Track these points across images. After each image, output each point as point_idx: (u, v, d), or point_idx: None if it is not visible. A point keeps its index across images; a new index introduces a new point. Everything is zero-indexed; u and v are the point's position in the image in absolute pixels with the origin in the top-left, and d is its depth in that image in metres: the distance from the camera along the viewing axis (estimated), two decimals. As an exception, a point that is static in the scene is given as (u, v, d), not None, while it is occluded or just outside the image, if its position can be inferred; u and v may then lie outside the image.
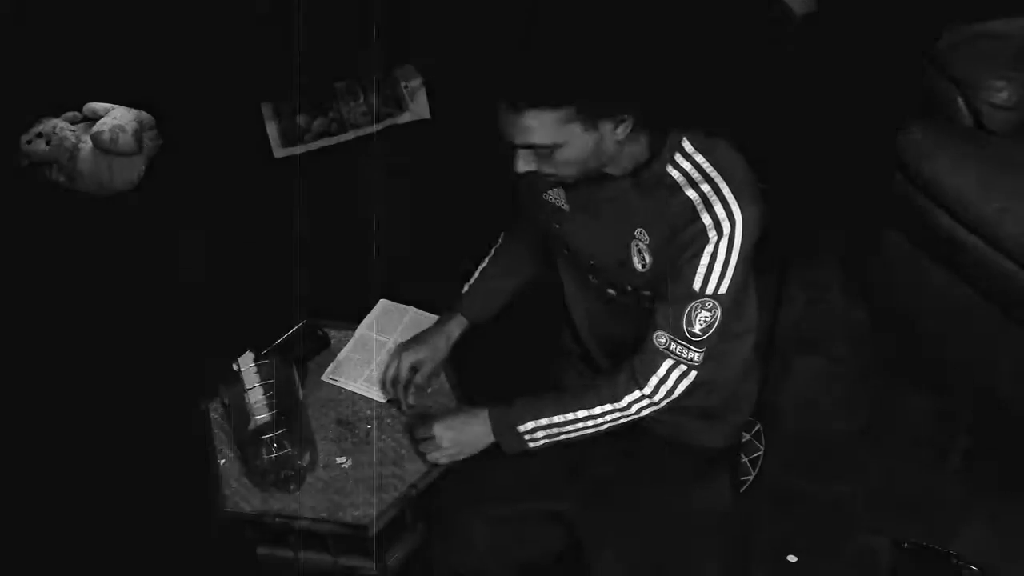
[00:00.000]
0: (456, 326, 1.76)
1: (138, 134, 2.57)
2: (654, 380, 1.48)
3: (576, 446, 1.61)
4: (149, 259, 2.49)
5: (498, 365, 1.95)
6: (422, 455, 1.64)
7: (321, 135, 2.71)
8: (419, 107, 2.75)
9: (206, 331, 2.31)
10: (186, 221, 2.59)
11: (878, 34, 2.87)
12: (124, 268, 2.49)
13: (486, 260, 1.80)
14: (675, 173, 1.44)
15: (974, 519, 2.06)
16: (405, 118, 2.74)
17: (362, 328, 1.89)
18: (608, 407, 1.51)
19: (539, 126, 1.32)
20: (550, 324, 1.83)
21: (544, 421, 1.54)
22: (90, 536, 2.07)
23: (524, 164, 1.39)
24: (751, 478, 1.75)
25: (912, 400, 2.32)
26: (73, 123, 2.62)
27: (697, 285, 1.42)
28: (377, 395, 1.78)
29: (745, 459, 1.76)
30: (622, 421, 1.53)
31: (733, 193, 1.40)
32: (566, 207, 1.56)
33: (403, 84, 2.77)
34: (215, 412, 1.79)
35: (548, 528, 1.62)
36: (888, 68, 2.62)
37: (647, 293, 1.52)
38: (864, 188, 2.54)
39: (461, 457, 1.61)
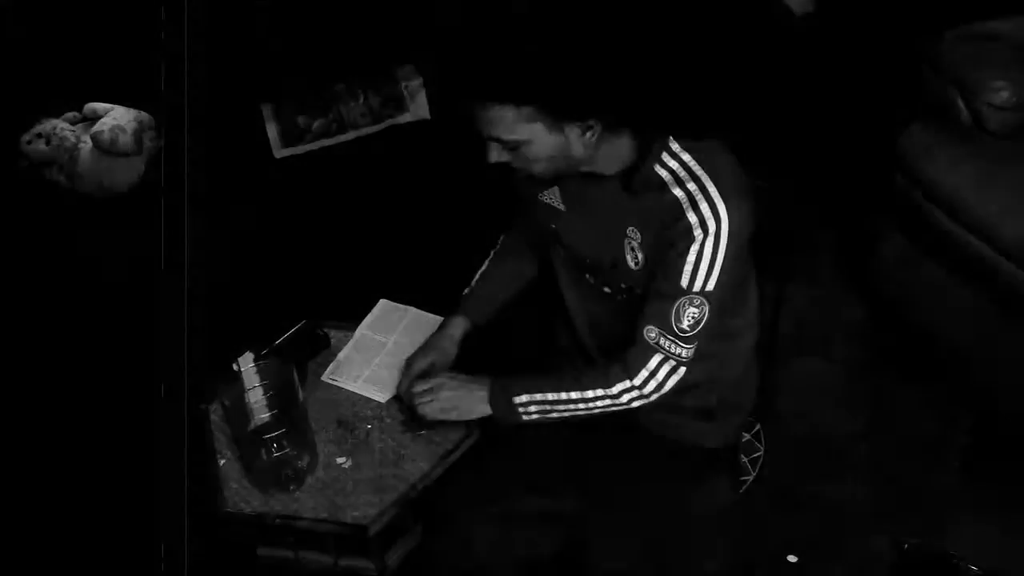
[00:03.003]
0: (459, 326, 1.76)
1: (138, 134, 2.57)
2: (644, 373, 1.50)
3: (576, 445, 1.61)
4: (149, 259, 2.49)
5: (498, 364, 1.95)
6: (414, 406, 1.64)
7: (321, 136, 2.72)
8: (419, 107, 2.75)
9: (206, 331, 2.31)
10: (185, 222, 2.58)
11: (878, 34, 2.87)
12: (124, 268, 2.49)
13: (486, 263, 1.80)
14: (663, 172, 1.45)
15: (974, 519, 2.06)
16: (405, 118, 2.75)
17: (362, 328, 1.89)
18: (600, 392, 1.53)
19: (501, 121, 1.35)
20: (548, 322, 1.83)
21: (539, 396, 1.55)
22: (90, 536, 2.07)
23: (494, 155, 1.42)
24: (751, 478, 1.75)
25: (912, 400, 2.32)
26: (73, 123, 2.62)
27: (684, 282, 1.44)
28: (377, 395, 1.78)
29: (745, 459, 1.76)
30: (613, 409, 1.54)
31: (719, 191, 1.42)
32: (561, 207, 1.57)
33: (403, 84, 2.77)
34: (215, 412, 1.80)
35: (548, 528, 1.62)
36: (888, 68, 2.62)
37: (640, 292, 1.53)
38: (864, 188, 2.54)
39: (451, 417, 1.61)
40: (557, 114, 1.36)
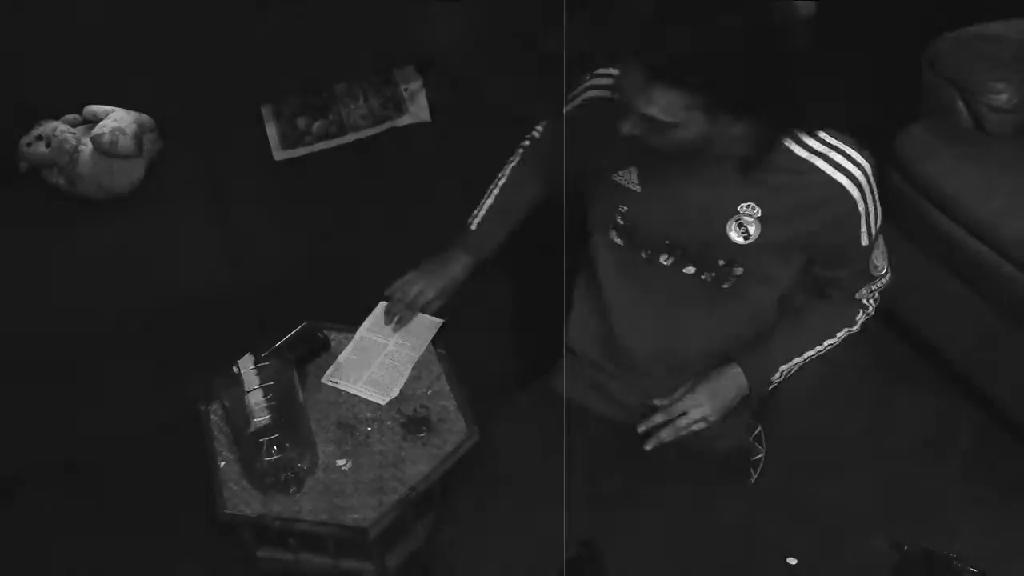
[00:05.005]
0: (467, 265, 1.81)
1: (138, 137, 2.57)
2: (872, 302, 1.67)
3: (589, 453, 1.60)
4: (149, 261, 2.49)
5: (499, 365, 1.95)
6: (685, 430, 1.60)
7: (321, 137, 2.72)
8: (419, 109, 2.75)
9: (206, 333, 2.31)
10: (186, 223, 2.58)
11: (878, 34, 2.87)
12: (124, 270, 2.48)
13: (492, 196, 1.83)
14: (796, 148, 1.45)
15: (974, 519, 2.06)
16: (405, 120, 2.75)
17: (362, 330, 1.89)
18: (845, 331, 1.66)
19: (665, 103, 1.31)
20: (551, 324, 1.83)
21: (785, 367, 1.63)
22: (90, 536, 2.07)
23: (631, 127, 1.37)
24: (752, 480, 1.75)
25: (912, 400, 2.32)
26: (73, 126, 2.62)
27: (865, 240, 1.51)
28: (377, 397, 1.79)
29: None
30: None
31: (848, 144, 1.47)
32: (637, 188, 1.55)
33: (403, 86, 2.77)
34: (215, 414, 1.80)
35: (558, 537, 1.58)
36: (888, 68, 2.62)
37: (739, 270, 1.53)
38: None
39: (724, 415, 1.63)
40: (725, 106, 1.34)
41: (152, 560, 2.03)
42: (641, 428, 1.60)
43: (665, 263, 1.58)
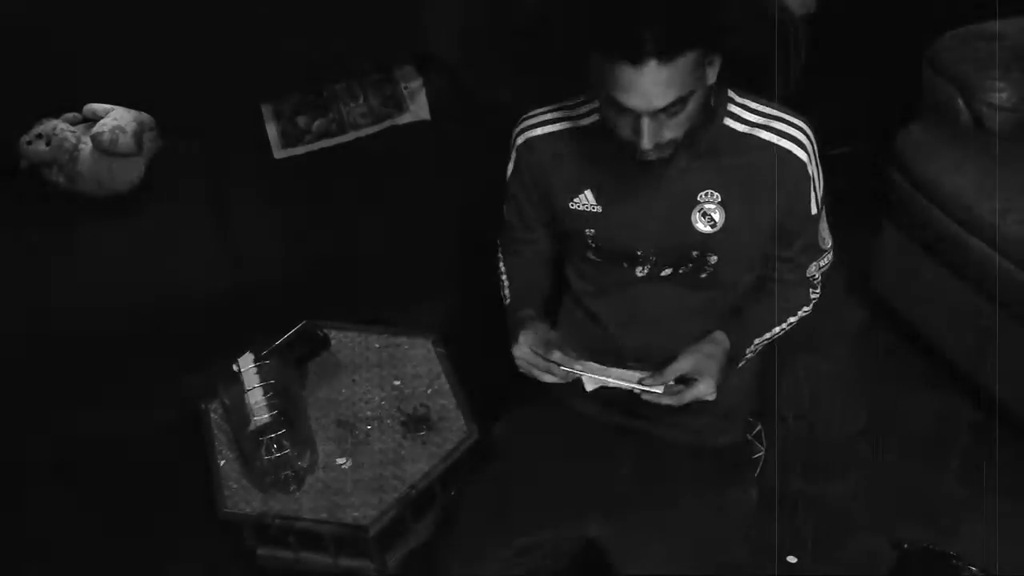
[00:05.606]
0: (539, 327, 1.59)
1: (138, 135, 2.57)
2: (818, 276, 1.65)
3: (595, 461, 1.59)
4: (149, 259, 2.49)
5: (499, 365, 1.94)
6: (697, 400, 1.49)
7: (321, 136, 2.71)
8: (419, 108, 2.75)
9: (206, 332, 2.31)
10: (186, 221, 2.58)
11: (878, 34, 2.87)
12: (124, 268, 2.48)
13: (507, 292, 1.72)
14: (735, 124, 1.47)
15: (974, 519, 2.06)
16: (405, 119, 2.74)
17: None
18: (801, 312, 1.66)
19: (685, 72, 1.32)
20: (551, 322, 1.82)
21: (764, 337, 1.63)
22: (90, 536, 2.07)
23: (653, 136, 1.37)
24: (753, 478, 1.75)
25: (912, 400, 2.32)
26: (73, 124, 2.62)
27: (814, 208, 1.52)
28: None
29: (746, 459, 1.76)
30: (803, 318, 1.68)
31: (785, 111, 1.48)
32: (598, 208, 1.56)
33: (403, 85, 2.77)
34: (215, 412, 1.80)
35: (570, 551, 1.57)
36: (888, 68, 2.62)
37: (713, 258, 1.53)
38: (864, 188, 2.54)
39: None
40: (716, 47, 1.36)
41: (152, 559, 2.03)
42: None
43: (641, 275, 1.59)
